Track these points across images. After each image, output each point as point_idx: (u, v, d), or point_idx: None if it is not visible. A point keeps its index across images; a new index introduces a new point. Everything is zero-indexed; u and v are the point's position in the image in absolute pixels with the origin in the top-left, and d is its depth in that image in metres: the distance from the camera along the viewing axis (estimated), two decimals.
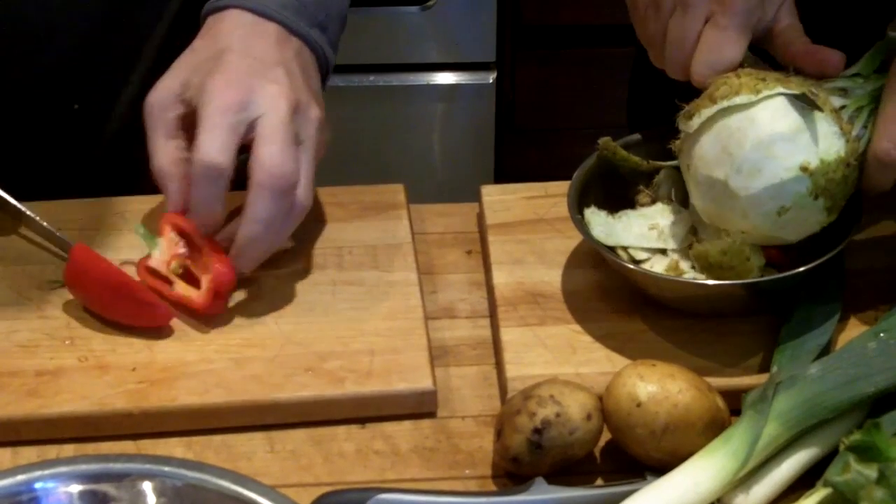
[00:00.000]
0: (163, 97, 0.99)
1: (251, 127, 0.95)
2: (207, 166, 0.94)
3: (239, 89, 0.95)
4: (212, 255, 0.97)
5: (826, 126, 0.90)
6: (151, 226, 1.02)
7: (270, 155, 0.94)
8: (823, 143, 0.90)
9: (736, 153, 0.90)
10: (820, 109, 0.90)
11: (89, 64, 1.18)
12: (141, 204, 1.10)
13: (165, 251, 0.99)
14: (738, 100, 0.91)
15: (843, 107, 0.92)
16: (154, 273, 1.00)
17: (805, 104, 0.90)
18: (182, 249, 0.99)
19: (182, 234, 0.99)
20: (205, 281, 0.97)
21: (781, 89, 0.91)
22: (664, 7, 0.96)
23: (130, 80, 1.21)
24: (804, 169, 0.90)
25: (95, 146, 1.22)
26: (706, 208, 0.95)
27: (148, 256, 1.00)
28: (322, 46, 1.05)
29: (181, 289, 0.98)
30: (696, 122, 0.92)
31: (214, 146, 0.93)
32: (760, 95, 0.90)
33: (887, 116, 0.90)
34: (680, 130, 0.95)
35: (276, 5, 1.01)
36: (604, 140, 1.02)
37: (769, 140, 0.89)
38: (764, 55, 0.97)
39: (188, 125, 0.97)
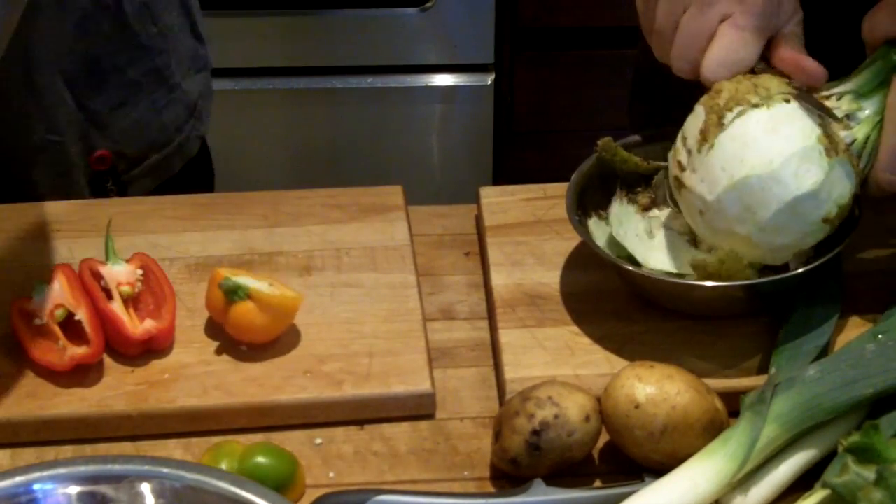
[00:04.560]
0: None
1: None
2: None
3: None
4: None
5: (841, 169, 0.90)
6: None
7: None
8: (840, 187, 0.90)
9: (760, 214, 0.89)
10: (836, 154, 0.90)
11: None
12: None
13: (48, 298, 0.96)
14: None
15: (853, 141, 0.91)
16: (26, 316, 0.96)
17: (824, 149, 0.89)
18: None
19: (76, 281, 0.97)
20: (80, 349, 0.93)
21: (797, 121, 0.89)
22: (677, 1, 0.94)
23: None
24: (826, 220, 0.90)
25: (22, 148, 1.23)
26: (717, 245, 0.94)
27: (28, 299, 0.97)
28: None
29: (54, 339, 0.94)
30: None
31: None
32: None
33: (889, 147, 0.90)
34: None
35: None
36: (604, 140, 1.02)
37: (795, 202, 0.89)
38: None
39: None
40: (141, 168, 1.30)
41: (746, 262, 0.92)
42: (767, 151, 0.89)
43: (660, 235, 1.02)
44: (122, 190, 1.29)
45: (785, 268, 0.95)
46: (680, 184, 0.93)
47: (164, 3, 1.27)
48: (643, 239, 1.01)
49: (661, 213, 1.03)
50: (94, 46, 1.22)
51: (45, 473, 0.79)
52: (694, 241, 1.01)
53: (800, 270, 0.93)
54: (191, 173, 1.37)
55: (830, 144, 0.90)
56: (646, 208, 1.04)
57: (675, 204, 1.03)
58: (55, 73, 1.21)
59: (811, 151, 0.89)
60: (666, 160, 1.03)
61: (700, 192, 0.91)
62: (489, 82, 2.19)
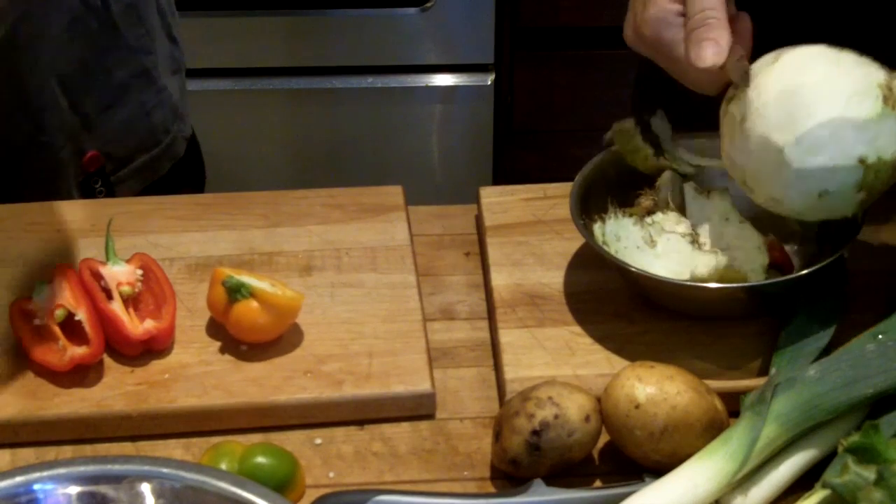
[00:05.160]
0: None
1: None
2: None
3: None
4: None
5: (893, 125, 0.89)
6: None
7: None
8: (885, 140, 0.89)
9: (802, 123, 0.88)
10: (893, 108, 0.89)
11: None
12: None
13: (48, 298, 0.96)
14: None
15: None
16: (26, 316, 0.96)
17: (882, 96, 0.89)
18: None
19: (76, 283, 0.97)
20: (79, 350, 0.93)
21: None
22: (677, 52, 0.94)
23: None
24: (862, 161, 0.88)
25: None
26: (745, 165, 0.93)
27: (28, 299, 0.97)
28: None
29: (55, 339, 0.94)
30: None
31: None
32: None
33: None
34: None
35: None
36: (621, 124, 1.01)
37: (840, 122, 0.88)
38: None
39: None
40: (128, 169, 1.31)
41: (744, 275, 0.92)
42: (828, 74, 0.89)
43: (662, 241, 1.02)
44: (109, 192, 1.29)
45: (789, 270, 0.95)
46: (729, 100, 0.93)
47: (148, 4, 1.27)
48: (644, 249, 1.01)
49: (663, 218, 1.03)
50: (84, 48, 1.22)
51: (45, 473, 0.79)
52: (697, 243, 1.01)
53: (803, 272, 0.93)
54: (180, 175, 1.37)
55: (889, 95, 0.89)
56: (649, 211, 1.03)
57: (679, 207, 1.03)
58: (49, 76, 1.21)
59: (870, 90, 0.89)
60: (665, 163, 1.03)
61: (749, 98, 0.90)
62: (489, 82, 2.19)
